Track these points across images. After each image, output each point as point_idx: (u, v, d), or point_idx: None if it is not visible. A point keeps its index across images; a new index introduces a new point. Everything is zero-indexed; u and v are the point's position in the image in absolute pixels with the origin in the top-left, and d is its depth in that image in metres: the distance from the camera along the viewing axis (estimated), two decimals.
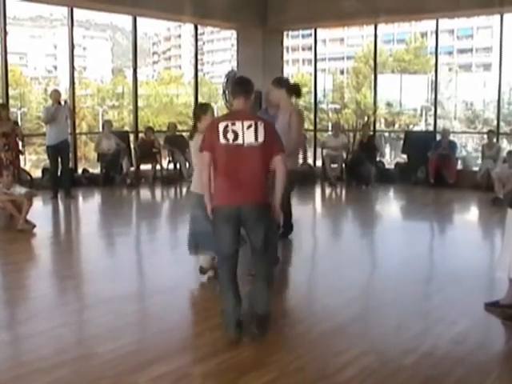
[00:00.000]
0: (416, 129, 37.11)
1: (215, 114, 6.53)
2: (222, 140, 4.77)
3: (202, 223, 5.93)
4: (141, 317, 5.62)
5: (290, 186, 6.47)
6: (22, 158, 11.67)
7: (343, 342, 4.87)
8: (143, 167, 14.22)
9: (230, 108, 16.34)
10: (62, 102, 11.77)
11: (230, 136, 4.77)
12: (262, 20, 14.78)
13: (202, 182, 5.02)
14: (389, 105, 40.37)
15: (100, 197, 12.91)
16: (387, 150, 23.33)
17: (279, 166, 4.85)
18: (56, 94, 11.87)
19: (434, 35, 16.13)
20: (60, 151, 11.73)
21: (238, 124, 4.79)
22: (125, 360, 4.47)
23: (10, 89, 12.99)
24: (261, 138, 4.79)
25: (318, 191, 13.83)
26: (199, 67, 17.78)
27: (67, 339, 4.91)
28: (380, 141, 14.82)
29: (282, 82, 6.66)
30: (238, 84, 5.20)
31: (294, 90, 6.59)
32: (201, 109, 6.51)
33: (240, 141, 4.76)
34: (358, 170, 13.95)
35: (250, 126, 4.79)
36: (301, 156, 6.42)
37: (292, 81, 6.79)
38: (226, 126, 4.79)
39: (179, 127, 17.40)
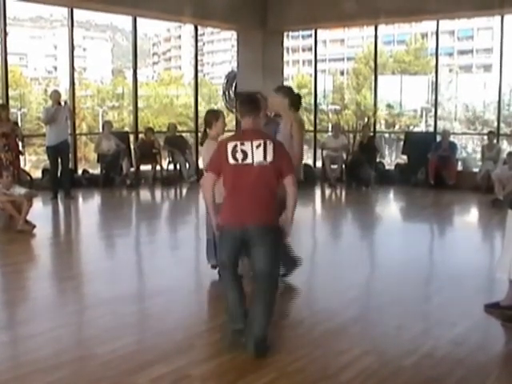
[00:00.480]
0: (416, 130, 37.14)
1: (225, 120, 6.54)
2: (231, 160, 4.71)
3: None
4: (140, 318, 5.62)
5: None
6: (21, 158, 11.67)
7: (343, 343, 4.87)
8: (143, 168, 14.22)
9: (231, 109, 16.27)
10: (62, 103, 11.77)
11: (239, 156, 4.71)
12: (262, 21, 14.78)
13: (205, 201, 4.99)
14: (389, 106, 40.41)
15: (100, 198, 12.91)
16: (387, 151, 23.35)
17: (290, 188, 4.77)
18: (56, 95, 11.87)
19: (434, 36, 16.16)
20: (60, 152, 11.73)
21: (247, 144, 4.72)
22: (124, 361, 4.47)
23: (9, 89, 12.98)
24: (270, 158, 4.70)
25: (317, 192, 13.83)
26: (199, 68, 17.78)
27: (67, 340, 4.91)
28: (380, 142, 14.82)
29: (286, 92, 6.61)
30: (245, 103, 5.01)
31: (295, 102, 6.56)
32: (213, 115, 6.52)
33: (249, 160, 4.69)
34: (357, 172, 13.95)
35: (259, 146, 4.71)
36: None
37: (295, 91, 6.68)
38: (235, 146, 4.72)
39: (179, 128, 17.40)
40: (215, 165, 4.84)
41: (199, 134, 15.73)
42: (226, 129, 6.55)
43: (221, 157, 4.77)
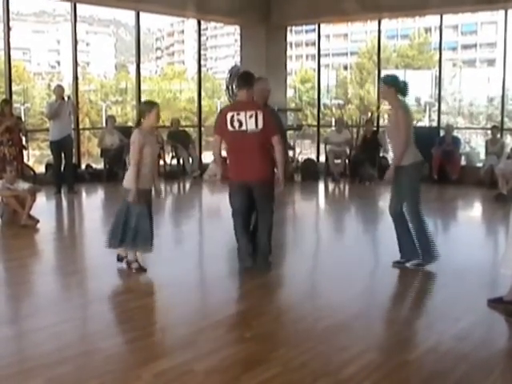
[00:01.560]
0: (420, 125, 37.07)
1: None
2: (230, 127, 6.18)
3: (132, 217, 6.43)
4: (143, 312, 5.61)
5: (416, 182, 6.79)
6: (25, 153, 11.67)
7: (347, 338, 4.87)
8: None
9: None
10: (66, 98, 11.77)
11: (236, 124, 6.15)
12: (265, 15, 14.75)
13: (214, 155, 6.74)
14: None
15: (103, 192, 12.92)
16: (389, 144, 23.27)
17: (277, 147, 6.20)
18: (59, 90, 11.87)
19: (437, 31, 16.04)
20: (63, 147, 11.74)
21: (242, 114, 6.15)
22: (128, 355, 4.48)
23: (13, 84, 12.99)
24: (260, 125, 6.14)
25: (321, 187, 13.83)
26: (202, 63, 17.71)
27: (70, 334, 4.91)
28: (383, 137, 14.75)
29: (391, 80, 6.71)
30: (240, 77, 6.48)
31: (402, 90, 6.66)
32: (147, 106, 6.56)
33: (244, 127, 6.15)
34: (358, 171, 13.93)
35: (251, 116, 6.13)
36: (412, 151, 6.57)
37: (400, 79, 6.85)
38: (232, 116, 6.16)
39: (182, 123, 17.39)
40: (219, 129, 6.33)
41: (203, 129, 15.84)
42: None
43: (222, 124, 6.23)
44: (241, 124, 6.13)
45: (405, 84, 6.73)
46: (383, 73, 16.56)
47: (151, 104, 6.58)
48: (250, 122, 6.12)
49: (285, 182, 6.46)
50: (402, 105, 6.64)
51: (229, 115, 6.19)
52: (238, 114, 6.15)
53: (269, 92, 6.98)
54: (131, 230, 6.44)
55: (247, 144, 6.17)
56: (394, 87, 6.60)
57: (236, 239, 6.57)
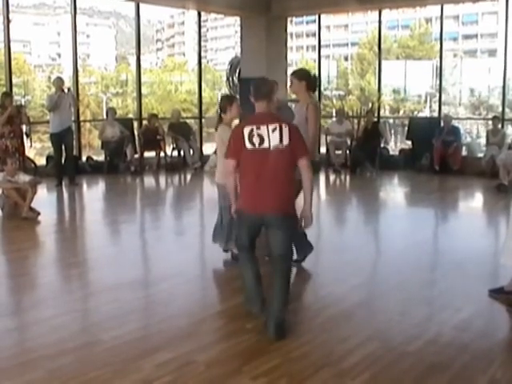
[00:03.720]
0: (421, 115, 37.03)
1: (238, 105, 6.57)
2: (248, 145, 4.77)
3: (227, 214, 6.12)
4: (145, 304, 5.63)
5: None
6: (27, 145, 11.65)
7: (348, 329, 4.88)
8: (147, 154, 14.21)
9: (235, 95, 16.33)
10: (66, 90, 11.76)
11: (256, 140, 4.76)
12: (265, 6, 14.70)
13: (228, 186, 5.06)
14: (393, 91, 40.29)
15: (104, 184, 12.92)
16: (391, 136, 23.30)
17: (305, 174, 4.83)
18: (59, 82, 11.86)
19: (438, 21, 16.00)
20: (63, 139, 11.73)
21: (263, 128, 4.77)
22: (129, 347, 4.48)
23: (13, 77, 12.98)
24: (286, 141, 4.75)
25: (322, 178, 13.82)
26: (203, 54, 17.71)
27: (72, 326, 4.92)
28: (384, 127, 14.76)
29: (302, 74, 6.66)
30: (260, 87, 5.03)
31: (312, 84, 6.61)
32: (227, 100, 6.60)
33: (266, 144, 4.74)
34: (359, 161, 13.91)
35: (274, 129, 4.76)
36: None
37: (312, 73, 6.78)
38: (251, 131, 4.78)
39: (183, 114, 17.37)
40: (234, 150, 4.88)
41: (203, 121, 15.82)
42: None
43: (238, 142, 4.82)
44: (262, 140, 4.74)
45: (315, 78, 6.72)
46: (384, 63, 16.55)
47: (231, 98, 6.70)
48: (273, 136, 4.74)
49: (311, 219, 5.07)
50: (313, 100, 6.53)
51: (246, 130, 4.79)
52: (258, 128, 4.77)
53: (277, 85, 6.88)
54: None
55: (269, 165, 4.75)
56: (305, 81, 6.55)
57: (242, 277, 5.16)
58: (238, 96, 15.33)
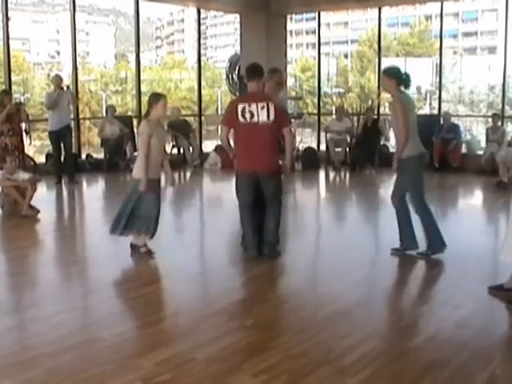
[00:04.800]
0: (420, 113, 36.99)
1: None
2: (241, 119, 6.21)
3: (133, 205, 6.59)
4: (145, 302, 5.62)
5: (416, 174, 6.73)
6: (26, 142, 11.63)
7: (347, 326, 4.88)
8: None
9: (234, 92, 16.38)
10: (65, 88, 11.74)
11: (248, 115, 6.19)
12: (265, 4, 14.68)
13: (223, 144, 6.63)
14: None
15: (104, 182, 12.91)
16: (391, 133, 23.26)
17: (287, 137, 6.37)
18: (57, 80, 11.84)
19: (438, 18, 15.99)
20: (62, 137, 11.71)
21: (254, 105, 6.18)
22: (129, 344, 4.49)
23: (12, 75, 12.98)
24: (272, 117, 6.19)
25: (321, 175, 13.82)
26: (202, 52, 17.68)
27: (71, 324, 4.92)
28: (384, 125, 14.73)
29: (391, 73, 6.69)
30: (251, 69, 6.45)
31: (403, 82, 6.63)
32: (154, 97, 6.68)
33: (256, 119, 6.19)
34: (356, 166, 13.91)
35: (263, 107, 6.17)
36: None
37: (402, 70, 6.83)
38: (244, 108, 6.20)
39: (183, 112, 17.37)
40: (228, 121, 6.38)
41: (203, 118, 15.82)
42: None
43: (233, 115, 6.25)
44: (252, 115, 6.18)
45: (406, 75, 6.70)
46: (384, 61, 16.53)
47: (158, 96, 6.77)
48: (261, 113, 6.17)
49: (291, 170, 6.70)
50: (402, 97, 6.59)
51: (240, 107, 6.22)
52: (250, 106, 6.19)
53: (282, 75, 7.33)
54: (139, 218, 6.62)
55: (258, 135, 6.22)
56: (395, 79, 6.58)
57: (242, 228, 6.68)
58: (237, 93, 15.40)
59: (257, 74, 6.37)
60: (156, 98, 6.66)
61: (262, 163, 6.30)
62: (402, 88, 6.63)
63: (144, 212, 6.61)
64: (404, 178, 6.69)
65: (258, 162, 6.30)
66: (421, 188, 6.77)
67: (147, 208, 6.60)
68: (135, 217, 6.63)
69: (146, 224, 6.66)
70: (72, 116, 12.68)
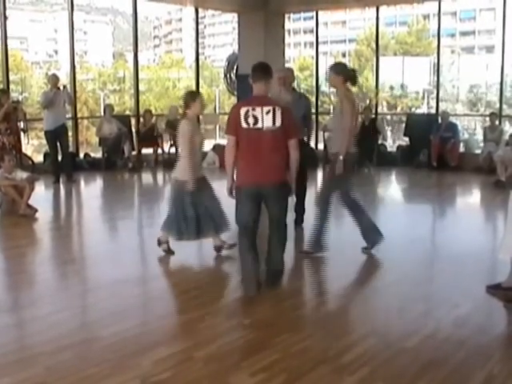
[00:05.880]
0: (418, 111, 37.02)
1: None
2: (244, 124, 5.29)
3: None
4: (143, 300, 5.63)
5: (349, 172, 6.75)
6: (25, 140, 11.62)
7: (346, 325, 4.89)
8: (145, 151, 14.20)
9: (232, 92, 16.33)
10: (61, 87, 11.72)
11: (251, 120, 5.28)
12: (263, 3, 14.67)
13: (226, 162, 5.49)
14: (391, 88, 40.25)
15: (102, 181, 12.91)
16: (389, 132, 23.29)
17: (293, 152, 5.42)
18: (54, 79, 11.83)
19: (436, 17, 16.03)
20: (58, 136, 11.70)
21: (258, 109, 5.29)
22: (127, 343, 4.48)
23: (10, 74, 12.95)
24: (278, 123, 5.29)
25: (319, 174, 13.81)
26: (200, 51, 17.70)
27: (70, 323, 4.92)
28: (382, 124, 14.77)
29: (339, 69, 6.72)
30: (258, 69, 5.53)
31: (351, 78, 6.65)
32: (190, 96, 6.66)
33: (259, 125, 5.28)
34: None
35: (268, 112, 5.28)
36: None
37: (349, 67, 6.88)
38: (247, 111, 5.29)
39: (180, 111, 17.35)
40: (232, 128, 5.39)
41: (201, 117, 15.80)
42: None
43: (235, 120, 5.34)
44: (256, 121, 5.26)
45: (354, 72, 6.75)
46: (381, 60, 16.54)
47: (194, 94, 6.82)
48: (266, 118, 5.27)
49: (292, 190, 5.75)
50: (348, 94, 6.59)
51: (242, 110, 5.30)
52: (254, 110, 5.28)
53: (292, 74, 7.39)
54: (193, 219, 6.53)
55: (262, 143, 5.30)
56: (343, 75, 6.59)
57: (240, 260, 5.64)
58: (235, 92, 15.40)
59: (265, 74, 5.48)
60: (193, 96, 6.60)
61: (266, 175, 5.34)
62: (349, 84, 6.63)
63: (200, 211, 6.54)
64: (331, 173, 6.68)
65: (262, 175, 5.34)
66: (334, 187, 6.75)
67: (207, 206, 6.56)
68: (189, 218, 6.53)
69: (221, 220, 6.62)
70: (68, 116, 12.66)
